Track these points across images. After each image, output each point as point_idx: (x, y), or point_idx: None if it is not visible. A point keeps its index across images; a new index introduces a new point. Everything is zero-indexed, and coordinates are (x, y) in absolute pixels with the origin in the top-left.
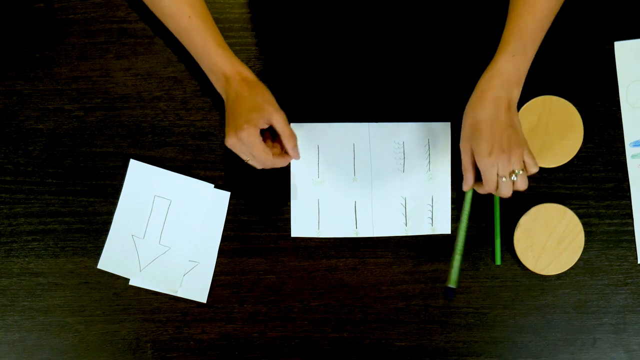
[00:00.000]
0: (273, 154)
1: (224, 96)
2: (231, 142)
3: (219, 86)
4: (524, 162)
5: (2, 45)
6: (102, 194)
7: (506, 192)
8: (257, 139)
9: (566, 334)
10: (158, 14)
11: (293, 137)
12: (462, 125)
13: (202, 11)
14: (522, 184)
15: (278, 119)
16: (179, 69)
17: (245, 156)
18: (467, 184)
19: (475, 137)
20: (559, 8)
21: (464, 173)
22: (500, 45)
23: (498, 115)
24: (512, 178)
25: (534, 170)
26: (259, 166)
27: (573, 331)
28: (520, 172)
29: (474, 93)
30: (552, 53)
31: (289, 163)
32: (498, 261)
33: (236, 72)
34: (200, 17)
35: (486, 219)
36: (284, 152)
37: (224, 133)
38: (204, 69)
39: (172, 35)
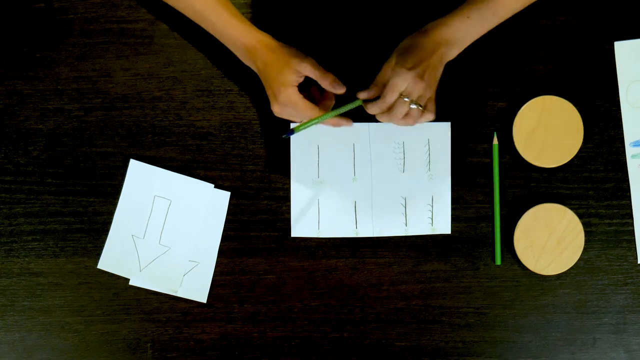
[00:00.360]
0: (322, 105)
1: (254, 69)
2: (277, 110)
3: (246, 60)
4: (425, 104)
5: (2, 45)
6: (102, 194)
7: (400, 113)
8: (297, 97)
9: (566, 334)
10: (171, 1)
11: (327, 75)
12: (397, 48)
13: None
14: (413, 117)
15: (305, 66)
16: (179, 69)
17: (298, 119)
18: (365, 94)
19: (406, 52)
20: None
21: (371, 86)
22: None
23: (432, 57)
24: (411, 105)
25: (430, 116)
26: (310, 116)
27: (573, 331)
28: (420, 107)
29: (419, 31)
30: (552, 53)
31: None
32: (498, 261)
33: (257, 40)
34: None
35: (486, 219)
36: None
37: (224, 133)
38: (227, 45)
39: (172, 36)
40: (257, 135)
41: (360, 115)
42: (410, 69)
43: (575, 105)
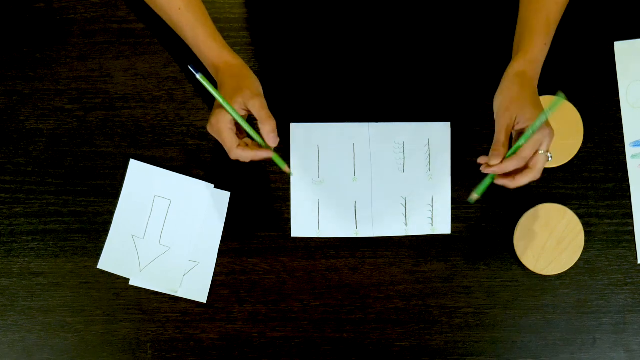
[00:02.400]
0: (249, 146)
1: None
2: (208, 128)
3: (213, 76)
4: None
5: (2, 45)
6: (102, 194)
7: (541, 166)
8: (225, 125)
9: (566, 334)
10: (151, 6)
11: (269, 121)
12: (503, 102)
13: (192, 2)
14: (544, 164)
15: (253, 103)
16: (179, 69)
17: (224, 145)
18: (499, 157)
19: (521, 105)
20: None
21: (500, 150)
22: (530, 28)
23: (537, 96)
24: (548, 155)
25: (550, 156)
26: (230, 156)
27: (573, 331)
28: (549, 154)
29: (511, 76)
30: (553, 53)
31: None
32: (478, 192)
33: (223, 61)
34: (190, 9)
35: (486, 219)
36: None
37: None
38: (199, 58)
39: (172, 36)
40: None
41: (360, 115)
42: (547, 124)
43: (575, 105)
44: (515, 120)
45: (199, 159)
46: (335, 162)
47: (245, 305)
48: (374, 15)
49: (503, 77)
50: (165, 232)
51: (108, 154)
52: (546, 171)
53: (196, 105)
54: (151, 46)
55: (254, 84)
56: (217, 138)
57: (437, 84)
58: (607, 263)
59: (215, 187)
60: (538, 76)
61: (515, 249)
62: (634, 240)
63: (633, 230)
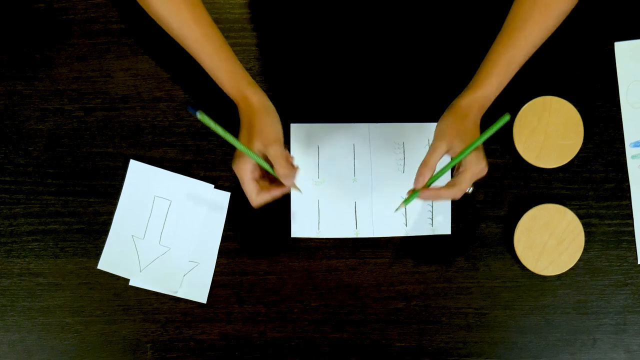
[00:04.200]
0: (266, 188)
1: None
2: (233, 167)
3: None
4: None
5: (2, 45)
6: (102, 194)
7: (464, 190)
8: (246, 175)
9: (566, 334)
10: (172, 35)
11: (284, 168)
12: (443, 129)
13: (211, 34)
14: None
15: (269, 151)
16: (179, 69)
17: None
18: (422, 179)
19: (464, 139)
20: (548, 37)
21: (425, 171)
22: (489, 67)
23: (477, 128)
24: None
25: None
26: (252, 204)
27: (573, 331)
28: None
29: (456, 108)
30: (552, 53)
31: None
32: (405, 203)
33: (242, 97)
34: (210, 40)
35: (486, 219)
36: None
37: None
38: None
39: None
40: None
41: (360, 116)
42: (486, 164)
43: (575, 105)
44: (451, 149)
45: (199, 159)
46: (335, 163)
47: (245, 306)
48: (374, 15)
49: (450, 106)
50: (165, 232)
51: (108, 154)
52: (546, 171)
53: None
54: (151, 46)
55: (274, 127)
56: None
57: (437, 84)
58: (607, 263)
59: (215, 187)
60: (484, 110)
61: (515, 249)
62: (634, 241)
63: (633, 231)
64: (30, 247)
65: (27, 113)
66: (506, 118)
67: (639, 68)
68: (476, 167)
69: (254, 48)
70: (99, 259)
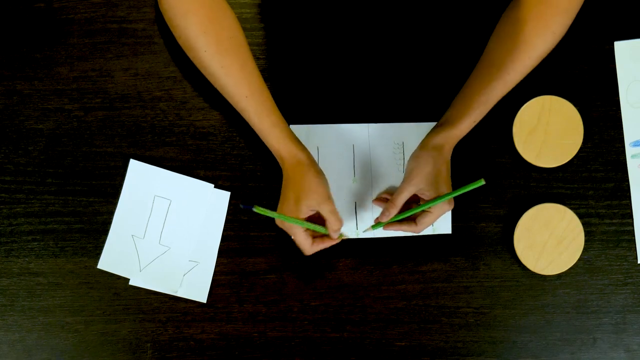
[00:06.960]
0: (314, 241)
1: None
2: (279, 224)
3: (279, 162)
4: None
5: (2, 45)
6: (102, 194)
7: (425, 226)
8: (299, 229)
9: (566, 334)
10: (220, 91)
11: (337, 224)
12: (413, 170)
13: (259, 90)
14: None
15: (323, 208)
16: (179, 69)
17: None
18: (388, 216)
19: (440, 184)
20: (525, 76)
21: (391, 209)
22: (465, 106)
23: (446, 174)
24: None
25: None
26: (305, 254)
27: (573, 331)
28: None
29: (427, 147)
30: (552, 53)
31: None
32: (374, 228)
33: (289, 154)
34: (257, 97)
35: (486, 219)
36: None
37: (224, 133)
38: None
39: (172, 35)
40: (257, 135)
41: (360, 116)
42: (450, 203)
43: (575, 105)
44: (418, 190)
45: (199, 159)
46: (335, 163)
47: (245, 305)
48: (374, 16)
49: (421, 143)
50: (165, 232)
51: (108, 154)
52: (546, 171)
53: (196, 105)
54: (151, 46)
55: (325, 185)
56: (291, 234)
57: (437, 84)
58: (607, 263)
59: (215, 186)
60: (454, 145)
61: (515, 249)
62: (634, 240)
63: (633, 230)
64: (30, 246)
65: (27, 113)
66: (480, 183)
67: (639, 68)
68: (441, 210)
69: (255, 48)
70: (98, 258)
